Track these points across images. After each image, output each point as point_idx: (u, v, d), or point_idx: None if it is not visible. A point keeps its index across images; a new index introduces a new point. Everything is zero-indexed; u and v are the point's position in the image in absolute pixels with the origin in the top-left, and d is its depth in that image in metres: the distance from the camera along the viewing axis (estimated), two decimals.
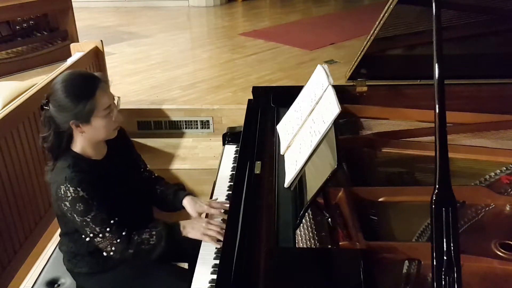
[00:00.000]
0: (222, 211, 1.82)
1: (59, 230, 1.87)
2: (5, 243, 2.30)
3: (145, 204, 1.89)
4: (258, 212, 1.55)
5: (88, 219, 1.60)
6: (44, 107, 1.60)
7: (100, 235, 1.62)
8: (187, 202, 1.86)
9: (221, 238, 1.63)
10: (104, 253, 1.68)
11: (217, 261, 1.58)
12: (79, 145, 1.65)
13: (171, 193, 1.90)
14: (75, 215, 1.60)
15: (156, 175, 1.99)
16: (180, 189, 1.93)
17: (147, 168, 1.96)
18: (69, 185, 1.56)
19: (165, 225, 1.71)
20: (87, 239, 1.65)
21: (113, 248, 1.65)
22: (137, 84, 4.49)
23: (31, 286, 1.94)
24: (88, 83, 1.59)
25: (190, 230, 1.69)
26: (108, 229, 1.62)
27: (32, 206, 2.56)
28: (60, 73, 2.84)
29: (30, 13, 5.07)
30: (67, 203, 1.58)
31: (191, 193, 1.91)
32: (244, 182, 1.74)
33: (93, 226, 1.61)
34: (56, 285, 1.93)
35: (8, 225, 2.32)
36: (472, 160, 1.85)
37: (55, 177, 1.61)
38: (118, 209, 1.66)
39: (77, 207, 1.58)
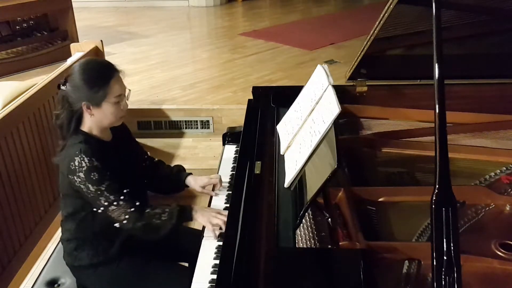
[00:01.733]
0: (223, 182, 1.98)
1: (59, 230, 1.87)
2: (5, 243, 2.30)
3: (143, 193, 1.92)
4: (258, 212, 1.55)
5: (103, 188, 1.66)
6: (61, 86, 1.69)
7: (115, 203, 1.68)
8: (190, 179, 2.00)
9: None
10: (117, 224, 1.71)
11: (217, 261, 1.58)
12: (87, 126, 1.73)
13: (174, 173, 2.02)
14: (89, 185, 1.65)
15: (156, 159, 2.06)
16: (181, 170, 2.06)
17: (148, 155, 2.05)
18: (84, 156, 1.64)
19: (178, 205, 1.77)
20: (100, 209, 1.69)
21: (126, 217, 1.69)
22: (137, 84, 4.49)
23: (31, 286, 1.94)
24: (105, 70, 1.71)
25: (200, 215, 1.76)
26: (122, 197, 1.69)
27: (32, 206, 2.56)
28: (61, 73, 2.86)
29: (30, 13, 5.08)
30: (81, 174, 1.64)
31: (191, 173, 2.04)
32: (244, 182, 1.74)
33: (108, 194, 1.66)
34: (56, 285, 1.93)
35: (8, 225, 2.33)
36: (472, 160, 1.85)
37: (67, 153, 1.69)
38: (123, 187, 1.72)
39: (91, 176, 1.64)
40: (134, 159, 1.92)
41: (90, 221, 1.76)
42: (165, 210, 1.74)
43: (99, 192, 1.66)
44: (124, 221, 1.70)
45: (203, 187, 1.97)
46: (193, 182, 1.99)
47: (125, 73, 1.75)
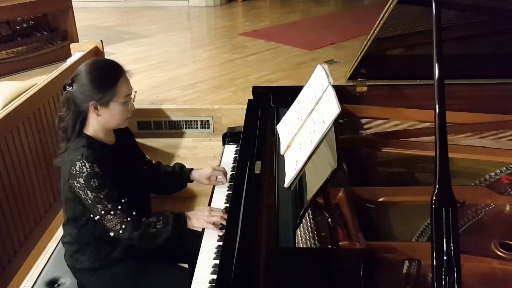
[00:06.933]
0: (226, 174, 2.01)
1: (59, 230, 1.87)
2: (5, 243, 2.30)
3: (145, 197, 1.92)
4: (258, 212, 1.55)
5: (102, 196, 1.64)
6: (67, 87, 1.67)
7: (112, 212, 1.66)
8: (194, 174, 2.02)
9: (224, 222, 1.70)
10: (112, 233, 1.70)
11: (217, 261, 1.58)
12: (91, 128, 1.71)
13: (177, 170, 2.04)
14: (88, 192, 1.63)
15: (155, 162, 2.07)
16: (183, 167, 2.07)
17: (147, 158, 2.05)
18: (85, 161, 1.62)
19: (172, 213, 1.76)
20: (97, 217, 1.68)
21: (122, 226, 1.68)
22: (137, 84, 4.44)
23: (31, 286, 1.94)
24: (113, 70, 1.69)
25: (195, 220, 1.75)
26: (119, 207, 1.67)
27: (32, 206, 2.55)
28: (60, 73, 2.86)
29: (30, 13, 5.08)
30: (81, 180, 1.62)
31: (193, 168, 2.06)
32: (244, 182, 1.74)
33: (106, 203, 1.65)
34: (56, 285, 1.93)
35: (8, 225, 2.32)
36: (472, 160, 1.85)
37: (69, 156, 1.67)
38: (125, 193, 1.70)
39: (91, 183, 1.62)
40: (137, 162, 1.92)
41: (92, 226, 1.74)
42: (160, 218, 1.72)
43: (97, 200, 1.64)
44: (120, 231, 1.68)
45: (209, 179, 1.99)
46: (197, 175, 2.01)
47: (131, 73, 1.74)
